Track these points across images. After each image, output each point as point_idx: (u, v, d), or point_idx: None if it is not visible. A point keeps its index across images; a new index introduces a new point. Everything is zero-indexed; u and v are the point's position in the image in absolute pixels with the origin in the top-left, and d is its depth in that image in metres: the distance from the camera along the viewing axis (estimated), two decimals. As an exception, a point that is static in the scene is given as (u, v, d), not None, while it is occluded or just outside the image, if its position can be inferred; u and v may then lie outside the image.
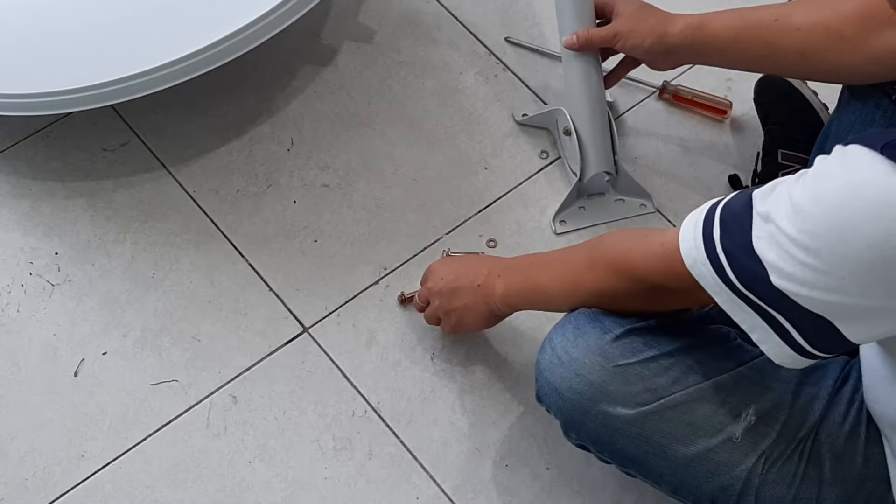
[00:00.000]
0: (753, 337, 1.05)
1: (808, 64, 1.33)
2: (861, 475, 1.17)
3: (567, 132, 1.61)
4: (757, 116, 1.68)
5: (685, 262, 1.06)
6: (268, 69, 1.76)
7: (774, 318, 1.01)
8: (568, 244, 1.60)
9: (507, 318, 1.40)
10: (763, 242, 0.98)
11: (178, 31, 1.54)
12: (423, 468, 1.46)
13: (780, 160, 1.59)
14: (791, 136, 1.59)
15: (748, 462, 1.18)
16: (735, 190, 1.65)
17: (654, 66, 1.53)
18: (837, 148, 0.96)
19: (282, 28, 1.55)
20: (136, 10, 1.60)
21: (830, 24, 1.28)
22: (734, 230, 1.02)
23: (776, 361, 1.05)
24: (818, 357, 1.03)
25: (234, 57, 1.53)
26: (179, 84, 1.51)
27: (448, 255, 1.59)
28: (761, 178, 1.61)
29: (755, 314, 1.03)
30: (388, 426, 1.48)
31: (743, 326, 1.05)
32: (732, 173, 1.68)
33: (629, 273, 1.18)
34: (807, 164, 1.44)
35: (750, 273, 1.00)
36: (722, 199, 1.06)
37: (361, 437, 1.48)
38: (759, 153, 1.65)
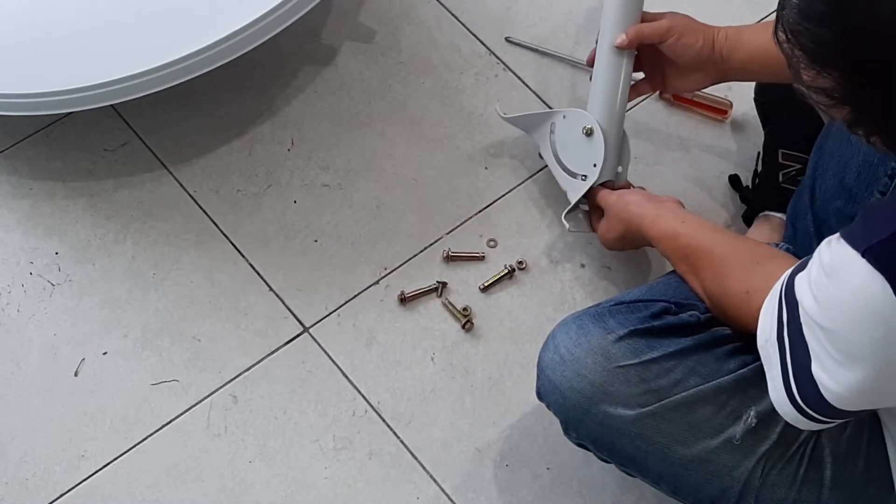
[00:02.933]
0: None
1: None
2: (863, 479, 1.17)
3: (589, 133, 1.52)
4: (757, 116, 1.67)
5: (758, 344, 1.12)
6: (268, 69, 1.76)
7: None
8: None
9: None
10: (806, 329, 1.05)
11: (178, 31, 1.54)
12: (424, 468, 1.46)
13: (780, 160, 1.58)
14: (791, 136, 1.59)
15: (748, 464, 1.18)
16: (735, 190, 1.66)
17: (680, 80, 1.53)
18: (833, 240, 1.02)
19: (282, 28, 1.55)
20: (136, 10, 1.60)
21: None
22: (794, 313, 1.06)
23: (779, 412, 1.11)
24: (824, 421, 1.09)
25: (234, 57, 1.53)
26: (179, 84, 1.51)
27: (448, 255, 1.59)
28: (761, 178, 1.61)
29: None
30: (388, 426, 1.48)
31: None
32: (732, 173, 1.68)
33: (734, 320, 1.24)
34: (806, 164, 1.44)
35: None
36: (788, 274, 1.10)
37: (362, 436, 1.48)
38: (759, 153, 1.64)
